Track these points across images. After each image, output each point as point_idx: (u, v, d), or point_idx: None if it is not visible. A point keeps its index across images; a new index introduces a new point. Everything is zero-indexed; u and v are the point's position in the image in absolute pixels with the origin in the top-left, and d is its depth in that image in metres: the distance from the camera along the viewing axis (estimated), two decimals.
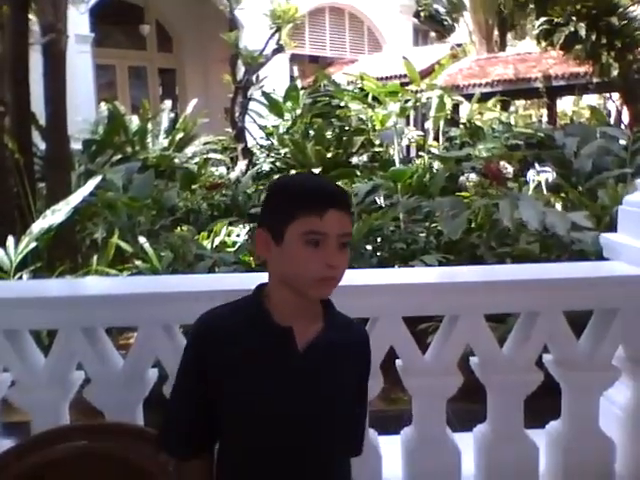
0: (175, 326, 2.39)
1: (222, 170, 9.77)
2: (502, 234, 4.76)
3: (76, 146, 9.24)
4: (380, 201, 5.15)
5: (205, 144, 11.95)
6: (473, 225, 5.09)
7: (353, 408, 1.50)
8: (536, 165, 5.87)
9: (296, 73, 16.81)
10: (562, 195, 5.50)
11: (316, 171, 9.35)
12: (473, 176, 5.71)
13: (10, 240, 4.17)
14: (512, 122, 11.49)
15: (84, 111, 11.72)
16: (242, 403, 1.35)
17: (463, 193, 5.59)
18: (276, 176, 9.61)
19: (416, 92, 10.18)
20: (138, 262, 4.52)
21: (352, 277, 2.48)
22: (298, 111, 11.27)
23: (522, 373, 2.31)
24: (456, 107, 11.93)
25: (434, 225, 5.11)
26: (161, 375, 2.45)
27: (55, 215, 4.57)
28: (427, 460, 2.31)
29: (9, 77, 5.02)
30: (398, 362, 2.42)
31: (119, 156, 9.73)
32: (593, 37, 12.38)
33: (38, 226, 4.46)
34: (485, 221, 4.95)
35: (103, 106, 12.09)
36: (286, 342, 1.36)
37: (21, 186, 4.97)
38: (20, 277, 4.05)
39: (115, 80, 16.79)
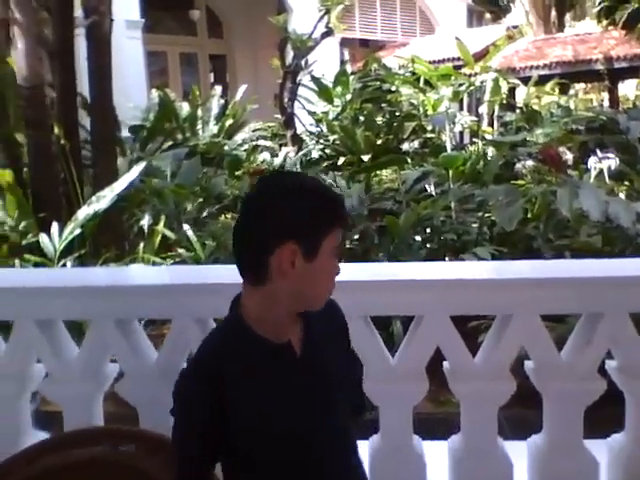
0: (210, 319, 2.29)
1: (266, 156, 9.65)
2: (560, 225, 4.49)
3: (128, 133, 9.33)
4: (430, 189, 4.93)
5: (254, 131, 11.89)
6: (529, 215, 4.82)
7: (351, 384, 1.46)
8: (597, 151, 5.52)
9: (346, 57, 16.54)
10: (626, 183, 5.16)
11: (366, 158, 9.16)
12: (530, 163, 5.41)
13: (54, 226, 4.16)
14: (571, 106, 10.99)
15: (136, 98, 11.80)
16: (250, 418, 1.30)
17: (519, 181, 5.30)
18: (325, 163, 9.51)
19: (470, 75, 9.84)
20: (181, 250, 4.45)
21: (395, 271, 2.33)
22: (348, 96, 11.06)
23: (583, 381, 2.10)
24: (512, 91, 11.49)
25: (487, 215, 4.87)
26: None
27: (100, 202, 4.55)
28: (476, 471, 2.14)
29: (56, 62, 5.02)
30: (445, 365, 2.26)
31: (170, 143, 9.78)
32: None
33: (83, 212, 4.45)
34: (542, 211, 4.68)
35: (154, 93, 12.16)
36: (287, 356, 1.32)
37: (68, 172, 4.98)
38: (64, 264, 4.04)
39: (167, 67, 16.90)
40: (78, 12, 5.40)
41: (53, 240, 4.10)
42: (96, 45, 5.14)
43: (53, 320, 2.31)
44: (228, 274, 2.44)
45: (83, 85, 5.63)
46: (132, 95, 11.66)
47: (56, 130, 4.90)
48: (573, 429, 2.14)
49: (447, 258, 4.29)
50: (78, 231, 4.27)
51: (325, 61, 12.24)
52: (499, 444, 2.18)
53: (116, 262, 4.30)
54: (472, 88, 9.43)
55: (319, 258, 1.23)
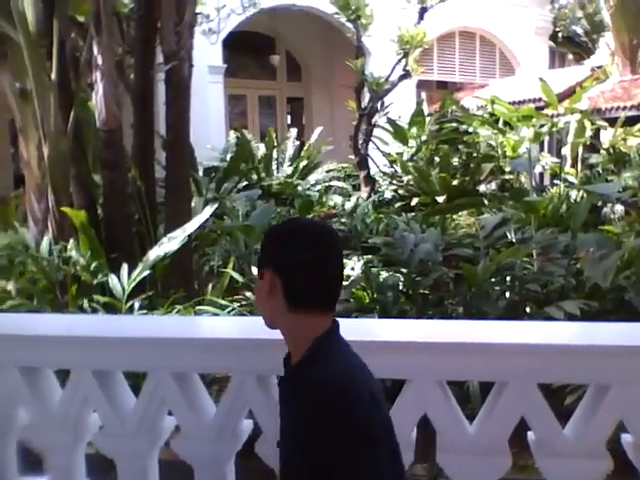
0: (272, 376, 2.13)
1: (337, 199, 9.58)
2: None
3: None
4: (511, 235, 4.67)
5: (328, 172, 11.93)
6: (618, 263, 4.45)
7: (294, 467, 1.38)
8: None
9: (423, 99, 16.45)
10: None
11: (440, 199, 8.93)
12: (619, 207, 5.05)
13: (124, 267, 4.16)
14: None
15: (215, 139, 12.11)
16: None
17: (607, 227, 4.95)
18: (398, 204, 9.35)
19: (552, 116, 9.50)
20: (249, 294, 4.36)
21: (473, 331, 2.11)
22: (423, 137, 10.93)
23: None
24: (597, 132, 11.02)
25: (573, 262, 4.53)
26: (257, 427, 2.21)
27: (171, 242, 4.54)
28: None
29: (135, 104, 5.13)
30: (530, 435, 2.01)
31: (245, 183, 9.90)
32: None
33: (154, 253, 4.45)
34: (634, 259, 4.31)
35: (232, 134, 12.44)
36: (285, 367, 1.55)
37: (142, 212, 5.03)
38: (132, 305, 4.02)
39: (246, 109, 17.32)
40: (161, 58, 5.55)
41: (122, 281, 4.10)
42: (175, 90, 5.23)
43: (111, 371, 2.23)
44: None
45: (163, 126, 5.74)
46: (211, 136, 11.97)
47: (132, 171, 4.98)
48: None
49: (529, 310, 3.99)
50: (147, 272, 4.25)
51: (401, 103, 12.18)
52: None
53: (183, 304, 4.25)
54: (555, 129, 9.08)
55: None
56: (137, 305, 4.01)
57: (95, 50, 4.91)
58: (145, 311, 4.02)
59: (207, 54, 11.31)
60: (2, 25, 5.29)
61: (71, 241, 4.69)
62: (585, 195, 6.31)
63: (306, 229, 1.50)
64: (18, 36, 4.99)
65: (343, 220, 7.46)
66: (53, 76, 5.03)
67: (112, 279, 4.10)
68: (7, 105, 6.12)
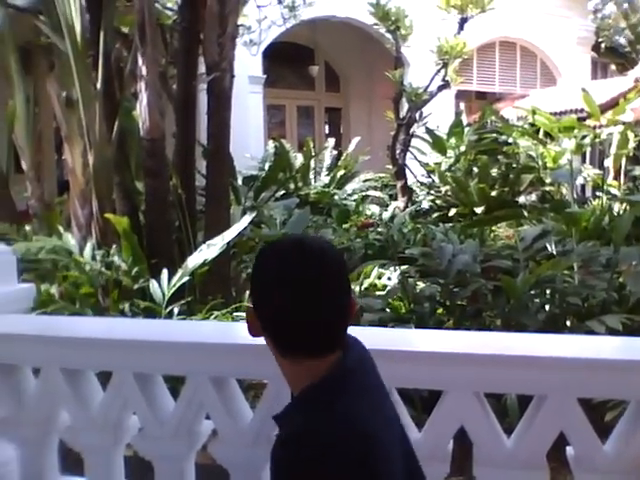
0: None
1: (374, 209, 9.57)
2: None
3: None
4: (551, 248, 4.61)
5: (365, 181, 11.95)
6: None
7: None
8: None
9: (461, 109, 16.35)
10: None
11: (478, 210, 8.86)
12: None
13: (164, 273, 4.24)
14: None
15: (254, 148, 12.26)
16: None
17: None
18: (435, 214, 9.30)
19: (594, 127, 9.35)
20: None
21: (511, 343, 2.09)
22: (462, 148, 10.87)
23: None
24: None
25: (615, 276, 4.44)
26: None
27: (210, 249, 4.61)
28: None
29: (177, 114, 5.23)
30: (569, 450, 1.97)
31: (282, 192, 9.98)
32: None
33: (193, 260, 4.52)
34: None
35: (270, 144, 12.57)
36: None
37: (182, 220, 5.11)
38: (171, 310, 4.09)
39: (285, 119, 17.48)
40: (202, 68, 5.66)
41: (162, 286, 4.18)
42: (216, 100, 5.31)
43: (151, 374, 2.27)
44: None
45: (204, 135, 5.84)
46: (250, 145, 12.12)
47: (173, 179, 5.08)
48: None
49: (569, 324, 3.92)
50: (186, 278, 4.33)
51: (440, 113, 12.15)
52: None
53: (221, 310, 4.30)
54: (597, 141, 8.94)
55: None
56: (176, 310, 4.08)
57: (139, 61, 5.03)
58: (184, 316, 4.09)
59: (248, 65, 11.47)
60: (50, 36, 5.46)
61: (113, 247, 4.79)
62: (628, 207, 6.18)
63: (287, 264, 1.21)
64: (66, 46, 5.14)
65: (380, 230, 7.46)
66: (98, 86, 5.16)
67: (152, 284, 4.18)
68: (53, 113, 6.32)
